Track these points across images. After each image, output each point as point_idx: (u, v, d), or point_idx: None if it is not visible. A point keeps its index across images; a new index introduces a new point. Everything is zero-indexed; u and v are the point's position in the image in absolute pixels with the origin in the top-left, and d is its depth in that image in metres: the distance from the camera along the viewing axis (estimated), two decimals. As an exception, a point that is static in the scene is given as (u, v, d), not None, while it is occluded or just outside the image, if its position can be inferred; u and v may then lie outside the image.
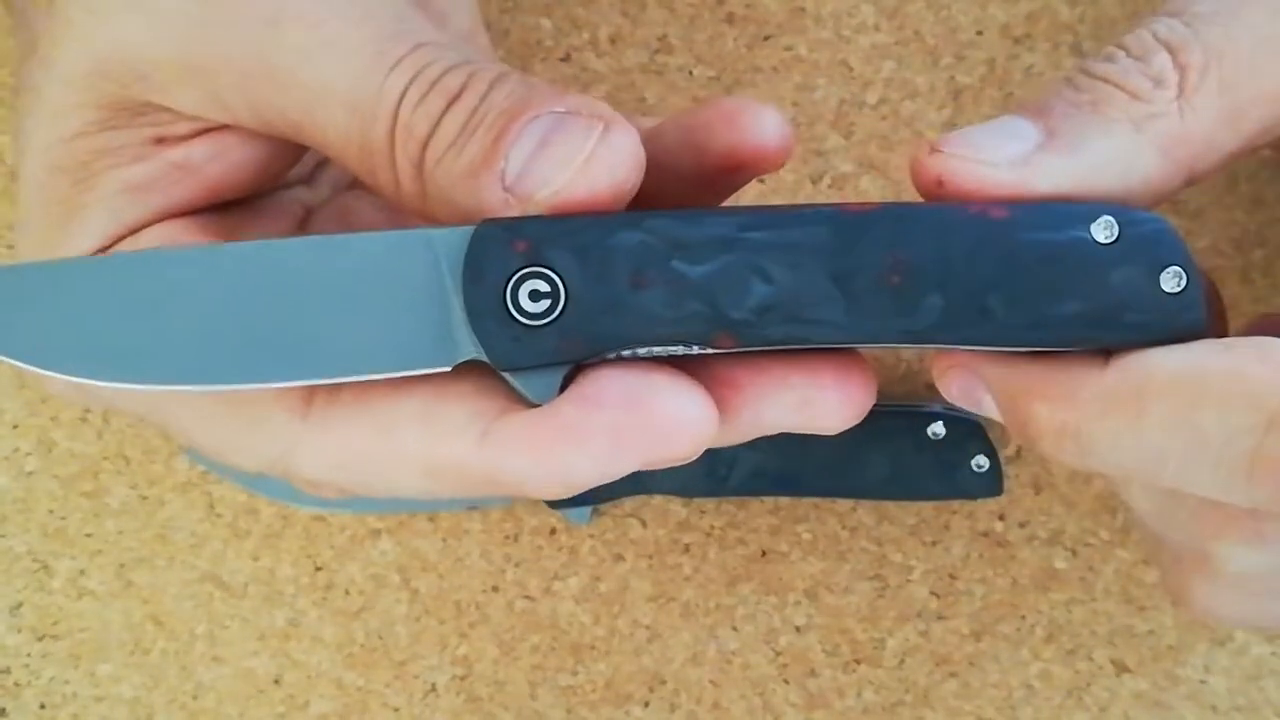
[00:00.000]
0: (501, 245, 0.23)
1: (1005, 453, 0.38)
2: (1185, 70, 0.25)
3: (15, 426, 0.39)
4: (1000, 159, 0.24)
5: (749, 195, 0.37)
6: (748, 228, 0.23)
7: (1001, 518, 0.39)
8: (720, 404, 0.24)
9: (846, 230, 0.23)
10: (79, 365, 0.24)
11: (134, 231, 0.27)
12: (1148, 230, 0.24)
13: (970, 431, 0.37)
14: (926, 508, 0.39)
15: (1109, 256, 0.23)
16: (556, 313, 0.23)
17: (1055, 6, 0.39)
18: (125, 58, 0.26)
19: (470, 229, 0.23)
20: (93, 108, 0.26)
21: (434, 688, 0.39)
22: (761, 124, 0.25)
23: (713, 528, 0.39)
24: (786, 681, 0.38)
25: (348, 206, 0.31)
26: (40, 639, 0.39)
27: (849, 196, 0.39)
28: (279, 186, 0.31)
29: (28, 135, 0.27)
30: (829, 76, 0.39)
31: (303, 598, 0.39)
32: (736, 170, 0.26)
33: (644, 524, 0.39)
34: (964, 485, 0.38)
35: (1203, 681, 0.38)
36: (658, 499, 0.39)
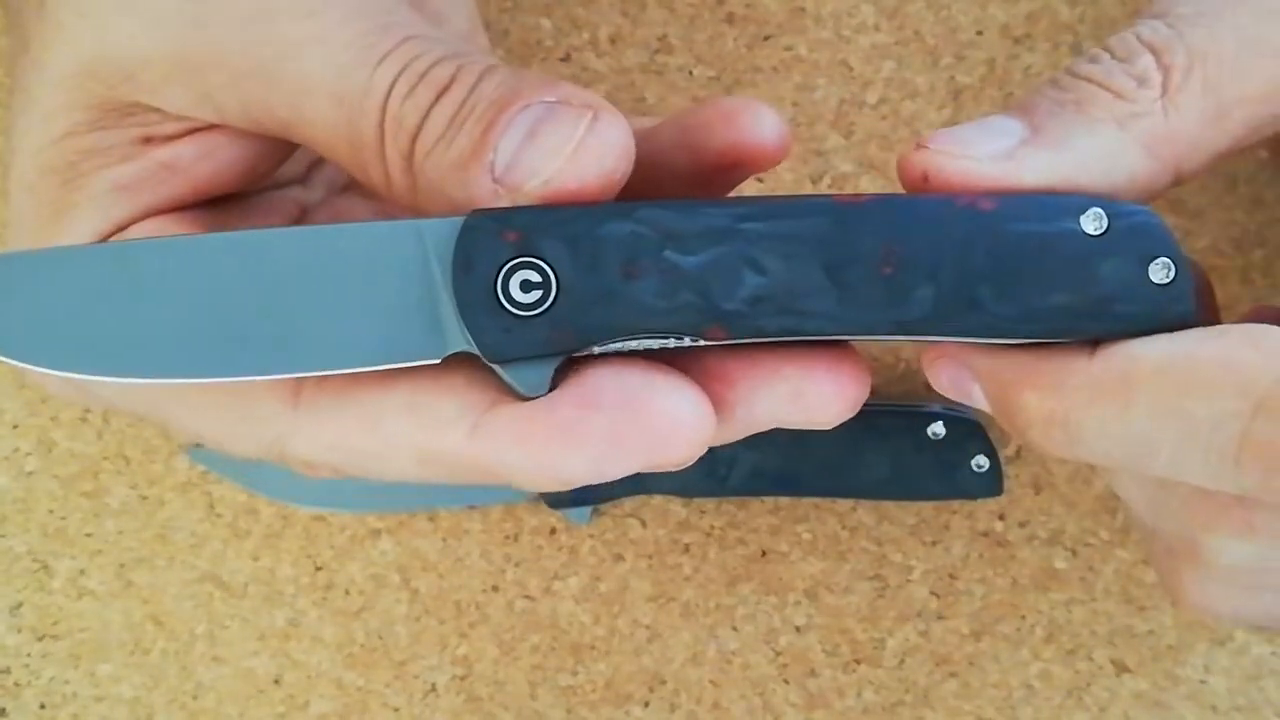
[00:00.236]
0: (491, 236, 0.23)
1: (1005, 453, 0.38)
2: (1169, 71, 0.25)
3: (15, 426, 0.39)
4: (984, 154, 0.25)
5: (748, 194, 0.37)
6: (741, 218, 0.23)
7: (1001, 518, 0.39)
8: (713, 400, 0.24)
9: (839, 221, 0.23)
10: (65, 360, 0.23)
11: (122, 228, 0.27)
12: (1136, 222, 0.24)
13: (970, 431, 0.37)
14: (926, 508, 0.39)
15: (1098, 248, 0.24)
16: (547, 304, 0.23)
17: (1055, 6, 0.39)
18: (114, 59, 0.26)
19: (460, 220, 0.23)
20: (81, 109, 0.26)
21: (434, 688, 0.39)
22: (759, 122, 0.25)
23: (713, 528, 0.39)
24: (786, 681, 0.38)
25: (342, 209, 0.31)
26: (40, 639, 0.39)
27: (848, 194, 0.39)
28: (273, 186, 0.31)
29: (19, 136, 0.27)
30: (829, 76, 0.39)
31: (303, 598, 0.39)
32: (734, 168, 0.26)
33: (644, 524, 0.39)
34: (964, 485, 0.38)
35: (1203, 681, 0.38)
36: (658, 499, 0.39)
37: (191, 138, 0.27)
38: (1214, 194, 0.38)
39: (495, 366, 0.24)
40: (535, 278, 0.23)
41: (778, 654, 0.38)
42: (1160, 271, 0.24)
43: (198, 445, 0.39)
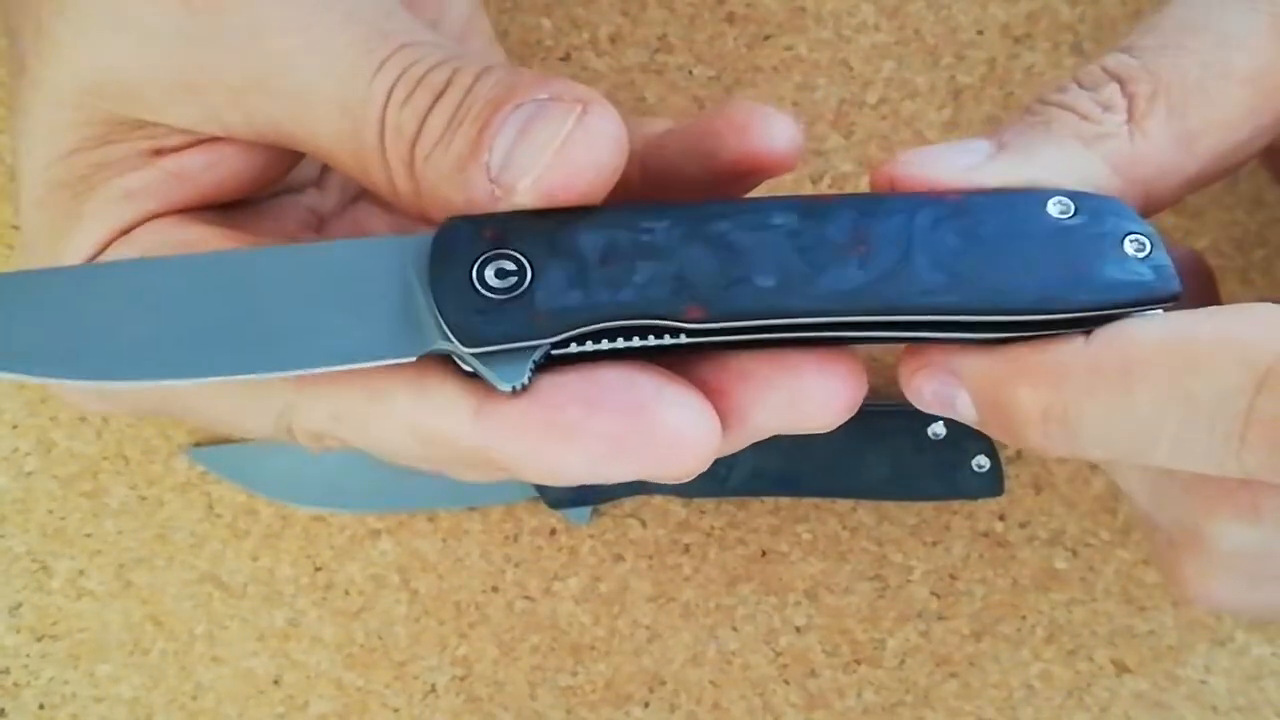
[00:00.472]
0: (468, 233, 0.24)
1: (1005, 453, 0.38)
2: (1134, 99, 0.26)
3: (15, 426, 0.39)
4: (951, 167, 0.25)
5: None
6: (715, 216, 0.24)
7: (1002, 518, 0.39)
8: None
9: (809, 211, 0.24)
10: (56, 368, 0.24)
11: (128, 230, 0.27)
12: (1102, 204, 0.24)
13: (970, 432, 0.37)
14: (926, 508, 0.39)
15: (1069, 225, 0.24)
16: (522, 288, 0.23)
17: (1055, 6, 0.39)
18: (114, 77, 0.26)
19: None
20: (87, 125, 0.27)
21: (434, 688, 0.39)
22: (771, 131, 0.25)
23: (713, 528, 0.39)
24: (786, 682, 0.38)
25: (360, 218, 0.31)
26: (40, 639, 0.39)
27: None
28: (286, 190, 0.31)
29: (24, 157, 0.27)
30: (829, 76, 0.39)
31: (302, 598, 0.39)
32: (747, 175, 0.26)
33: (644, 524, 0.39)
34: (964, 485, 0.37)
35: (1203, 681, 0.38)
36: (658, 499, 0.39)
37: (199, 148, 0.27)
38: (1214, 194, 0.38)
39: (472, 358, 0.23)
40: (510, 266, 0.23)
41: (778, 654, 0.38)
42: (1134, 246, 0.24)
43: (196, 444, 0.39)
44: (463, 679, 0.39)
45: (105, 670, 0.39)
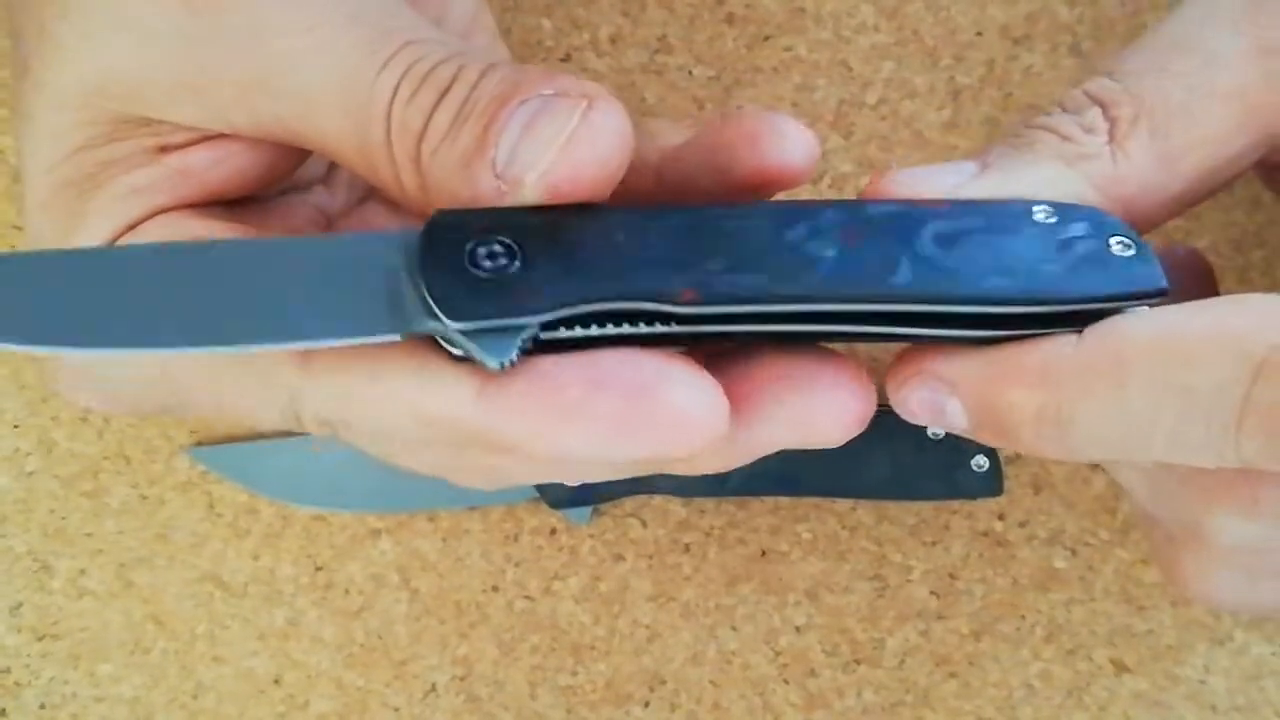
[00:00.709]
0: (460, 220, 0.24)
1: (1005, 453, 0.38)
2: (1115, 121, 0.26)
3: (16, 426, 0.39)
4: (939, 187, 0.26)
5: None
6: (709, 218, 0.24)
7: (1001, 518, 0.39)
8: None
9: (798, 213, 0.24)
10: (81, 338, 0.24)
11: (134, 226, 0.27)
12: (1084, 212, 0.25)
13: (970, 431, 0.37)
14: (926, 508, 0.39)
15: (1055, 225, 0.25)
16: (514, 268, 0.23)
17: (1055, 7, 0.39)
18: (118, 78, 0.26)
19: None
20: (91, 124, 0.27)
21: (434, 688, 0.39)
22: (784, 143, 0.25)
23: (713, 528, 0.39)
24: (786, 681, 0.38)
25: (367, 220, 0.31)
26: (40, 639, 0.39)
27: (848, 196, 0.39)
28: (294, 189, 0.31)
29: (28, 158, 0.27)
30: (829, 76, 0.39)
31: (303, 597, 0.39)
32: (761, 188, 0.26)
33: (644, 524, 0.39)
34: (964, 485, 0.38)
35: (1202, 681, 0.38)
36: (658, 499, 0.39)
37: (205, 144, 0.27)
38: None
39: (459, 336, 0.23)
40: (501, 249, 0.23)
41: (778, 654, 0.38)
42: (1119, 246, 0.24)
43: (197, 444, 0.39)
44: (463, 678, 0.39)
45: (106, 670, 0.39)
